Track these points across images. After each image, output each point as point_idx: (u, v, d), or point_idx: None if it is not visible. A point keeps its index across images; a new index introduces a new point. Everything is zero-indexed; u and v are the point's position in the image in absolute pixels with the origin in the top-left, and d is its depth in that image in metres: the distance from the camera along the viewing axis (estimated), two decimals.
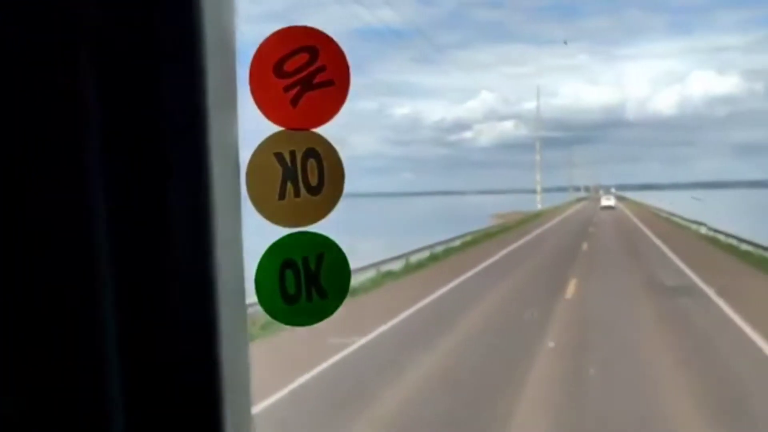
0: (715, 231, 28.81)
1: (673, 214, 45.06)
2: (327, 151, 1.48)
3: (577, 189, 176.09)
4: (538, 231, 38.85)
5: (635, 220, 46.86)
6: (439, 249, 25.20)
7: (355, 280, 13.51)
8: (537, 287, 17.12)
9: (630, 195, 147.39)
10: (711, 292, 15.07)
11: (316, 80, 1.45)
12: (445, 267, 21.78)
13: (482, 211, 73.80)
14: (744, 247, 23.90)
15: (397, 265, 19.92)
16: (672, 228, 38.22)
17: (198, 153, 0.83)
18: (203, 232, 0.83)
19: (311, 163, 1.44)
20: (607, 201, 74.74)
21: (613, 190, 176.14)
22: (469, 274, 19.53)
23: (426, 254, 23.17)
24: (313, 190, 1.44)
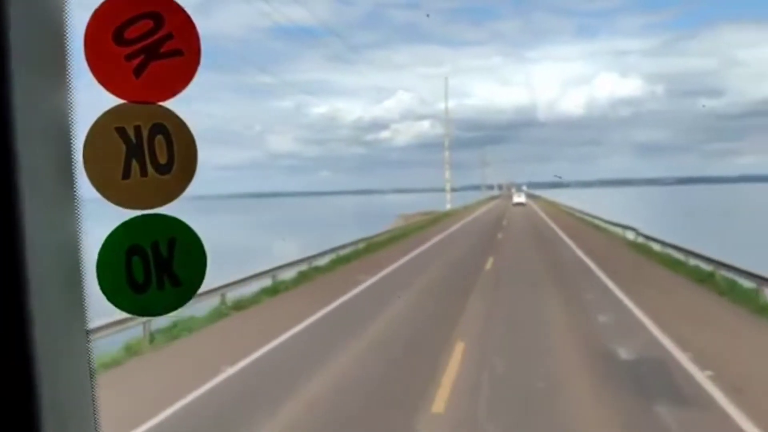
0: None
1: (595, 216, 38.15)
2: (177, 127, 1.31)
3: (491, 187, 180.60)
4: (435, 240, 29.14)
5: (553, 225, 37.15)
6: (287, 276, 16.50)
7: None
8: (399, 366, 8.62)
9: (542, 193, 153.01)
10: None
11: (163, 49, 1.32)
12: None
13: (393, 210, 73.58)
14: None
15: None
16: (603, 242, 26.42)
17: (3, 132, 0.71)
18: (10, 221, 0.70)
19: (159, 139, 1.29)
20: (519, 198, 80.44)
21: (524, 188, 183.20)
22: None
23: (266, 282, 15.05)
24: (162, 169, 1.30)
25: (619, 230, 27.97)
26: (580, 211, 46.16)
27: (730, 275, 13.46)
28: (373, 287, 15.47)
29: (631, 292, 12.87)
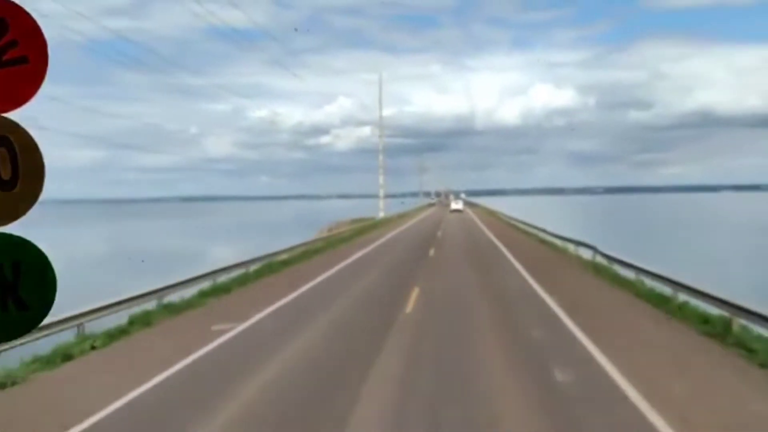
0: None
1: (540, 228, 33.34)
2: (22, 139, 1.25)
3: (428, 194, 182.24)
4: (352, 259, 23.73)
5: (495, 240, 31.52)
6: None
7: None
8: None
9: (480, 201, 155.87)
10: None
11: (6, 56, 1.22)
12: None
13: (327, 217, 72.46)
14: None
15: None
16: (560, 266, 20.89)
17: None
18: None
19: (2, 152, 1.24)
20: (456, 205, 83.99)
21: (462, 195, 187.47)
22: None
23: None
24: (6, 185, 1.21)
25: (570, 246, 24.36)
26: (523, 222, 42.71)
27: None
28: (192, 376, 8.71)
29: (643, 377, 7.84)
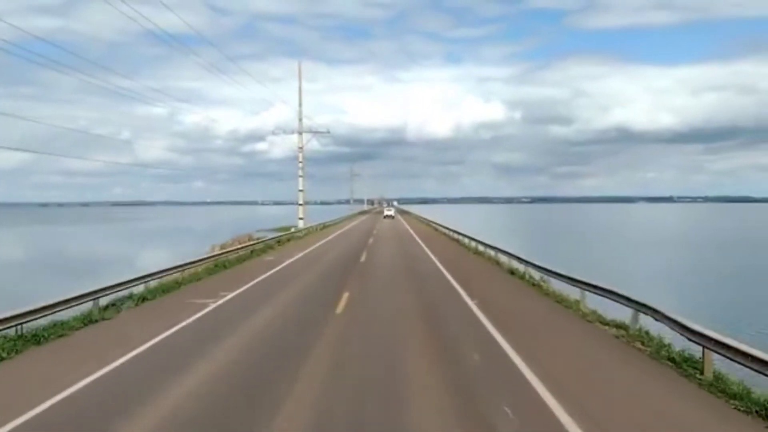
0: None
1: (480, 241, 29.54)
2: None
3: (361, 202, 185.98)
4: (201, 314, 13.68)
5: (434, 258, 26.31)
6: None
7: None
8: None
9: (411, 208, 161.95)
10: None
11: None
12: None
13: (250, 224, 70.13)
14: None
15: None
16: (506, 289, 17.85)
17: None
18: None
19: None
20: (389, 211, 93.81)
21: (394, 203, 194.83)
22: None
23: None
24: None
25: (513, 263, 21.48)
26: (457, 232, 38.60)
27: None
28: None
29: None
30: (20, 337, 10.76)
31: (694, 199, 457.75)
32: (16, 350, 10.12)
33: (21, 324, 10.88)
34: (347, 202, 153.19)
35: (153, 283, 17.24)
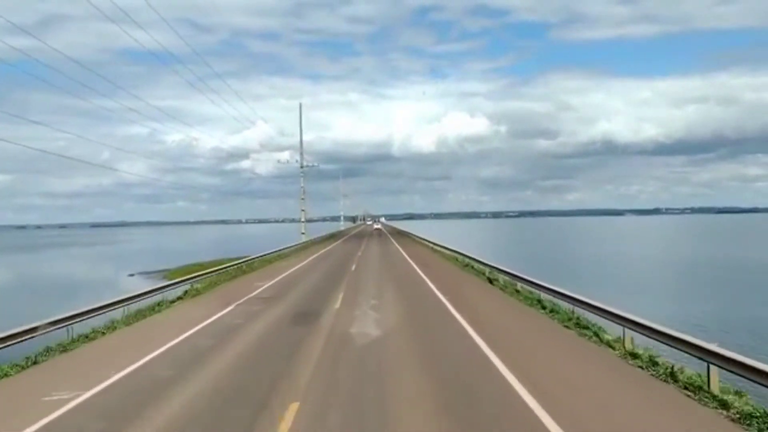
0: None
1: (486, 263, 24.81)
2: None
3: (346, 218, 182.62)
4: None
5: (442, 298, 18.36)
6: None
7: None
8: None
9: (398, 224, 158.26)
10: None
11: None
12: None
13: (224, 247, 67.88)
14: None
15: None
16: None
17: None
18: None
19: None
20: (377, 225, 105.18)
21: (382, 219, 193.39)
22: None
23: None
24: None
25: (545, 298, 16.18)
26: (456, 252, 34.13)
27: None
28: None
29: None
30: None
31: (682, 211, 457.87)
32: None
33: None
34: (336, 218, 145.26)
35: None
